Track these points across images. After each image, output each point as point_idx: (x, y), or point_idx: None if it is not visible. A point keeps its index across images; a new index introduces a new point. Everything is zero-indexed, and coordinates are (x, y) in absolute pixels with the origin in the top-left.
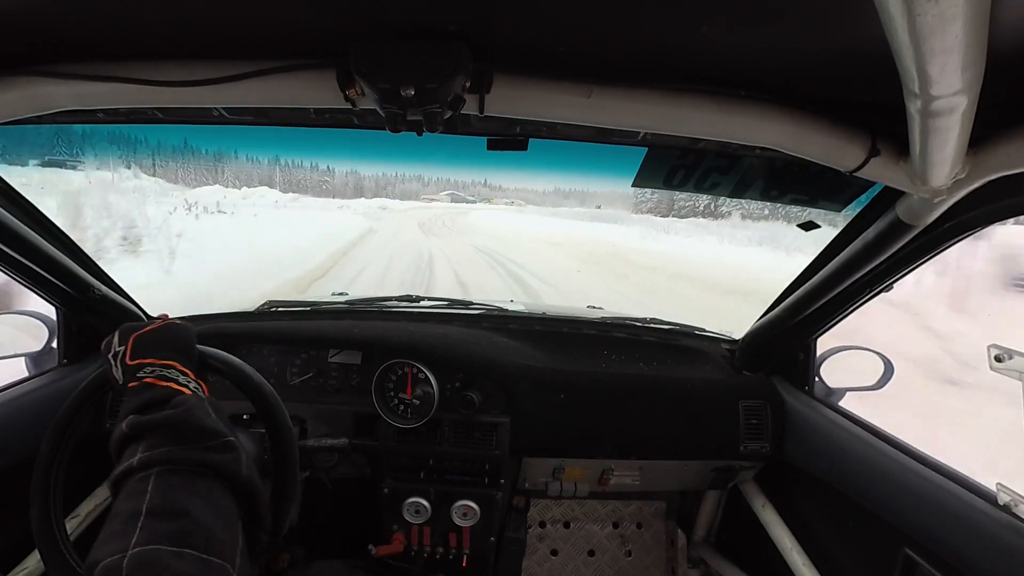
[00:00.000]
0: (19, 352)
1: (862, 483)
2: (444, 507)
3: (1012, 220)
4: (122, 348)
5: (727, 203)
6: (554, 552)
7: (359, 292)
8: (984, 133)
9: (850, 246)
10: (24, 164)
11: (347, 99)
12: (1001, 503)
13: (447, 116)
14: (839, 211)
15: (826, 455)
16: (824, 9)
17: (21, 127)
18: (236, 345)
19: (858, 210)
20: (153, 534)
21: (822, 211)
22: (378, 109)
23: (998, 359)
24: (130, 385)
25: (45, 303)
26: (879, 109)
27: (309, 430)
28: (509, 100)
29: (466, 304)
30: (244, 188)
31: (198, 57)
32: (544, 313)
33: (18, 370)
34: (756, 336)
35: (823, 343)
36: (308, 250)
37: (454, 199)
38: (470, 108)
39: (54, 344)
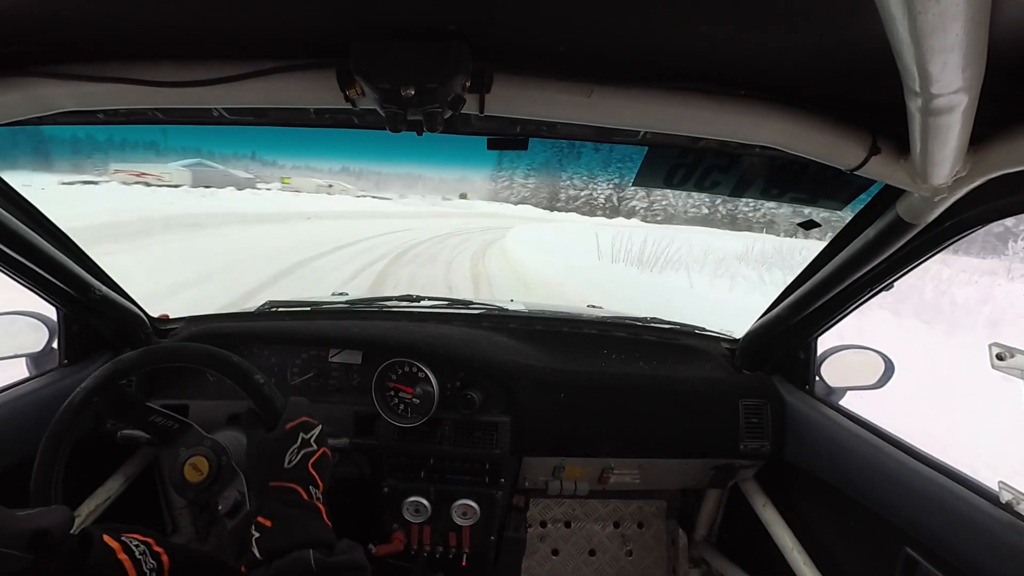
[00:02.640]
0: (19, 352)
1: (863, 482)
2: (444, 506)
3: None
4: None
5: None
6: (555, 552)
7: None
8: (985, 131)
9: (850, 245)
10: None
11: (347, 99)
12: (1003, 501)
13: (447, 116)
14: (839, 210)
15: (827, 454)
16: (825, 8)
17: (21, 127)
18: (236, 345)
19: (858, 209)
20: None
21: (823, 210)
22: (378, 109)
23: (999, 357)
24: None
25: (45, 303)
26: (879, 107)
27: None
28: (509, 100)
29: (466, 304)
30: None
31: (198, 57)
32: (544, 312)
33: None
34: (756, 335)
35: (823, 342)
36: None
37: (197, 178)
38: (470, 108)
39: (54, 344)
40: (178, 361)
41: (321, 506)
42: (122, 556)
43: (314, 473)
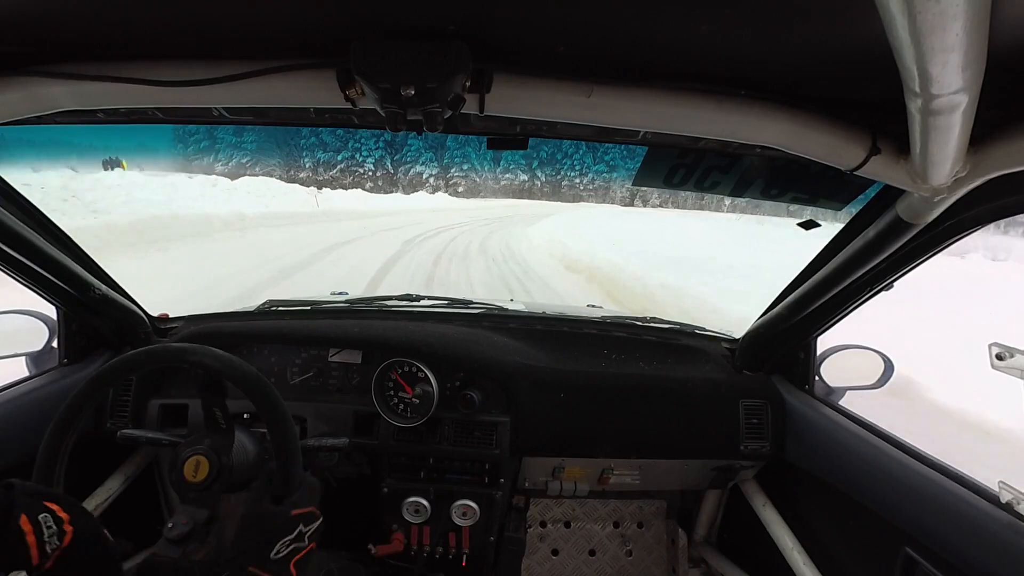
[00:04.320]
0: (19, 351)
1: (863, 482)
2: (444, 506)
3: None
4: None
5: None
6: (555, 552)
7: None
8: (984, 131)
9: (850, 244)
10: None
11: (347, 99)
12: (1004, 501)
13: (447, 116)
14: (839, 209)
15: (826, 454)
16: (824, 8)
17: (21, 127)
18: (236, 345)
19: (858, 209)
20: None
21: (822, 209)
22: (378, 109)
23: (999, 357)
24: None
25: (45, 302)
26: (879, 107)
27: (309, 429)
28: (509, 99)
29: (466, 303)
30: None
31: (198, 57)
32: (544, 312)
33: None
34: (756, 335)
35: (823, 342)
36: None
37: None
38: (470, 108)
39: (54, 344)
40: (227, 378)
41: None
42: (30, 539)
43: (293, 571)
